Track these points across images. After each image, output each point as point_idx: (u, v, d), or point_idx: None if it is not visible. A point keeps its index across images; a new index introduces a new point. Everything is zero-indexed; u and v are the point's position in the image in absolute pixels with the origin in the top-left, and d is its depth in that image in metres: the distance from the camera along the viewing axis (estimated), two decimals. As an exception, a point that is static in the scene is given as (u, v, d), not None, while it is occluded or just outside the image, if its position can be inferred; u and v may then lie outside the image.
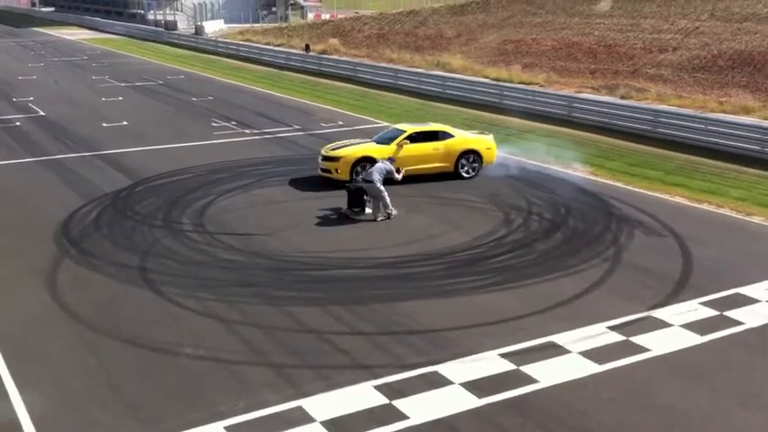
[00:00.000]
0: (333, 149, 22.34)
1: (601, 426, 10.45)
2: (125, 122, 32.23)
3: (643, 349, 12.50)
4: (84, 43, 70.88)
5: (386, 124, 31.60)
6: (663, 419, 10.65)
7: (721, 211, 20.10)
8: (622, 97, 33.94)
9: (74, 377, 11.80)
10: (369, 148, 22.04)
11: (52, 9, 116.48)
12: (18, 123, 32.10)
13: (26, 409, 10.91)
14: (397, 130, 23.19)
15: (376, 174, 19.02)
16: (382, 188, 18.95)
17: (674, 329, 13.22)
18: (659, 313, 13.81)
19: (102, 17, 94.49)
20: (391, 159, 20.00)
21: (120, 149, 26.92)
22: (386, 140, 22.55)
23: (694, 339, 12.87)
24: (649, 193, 21.61)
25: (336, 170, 21.66)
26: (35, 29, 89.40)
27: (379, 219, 18.99)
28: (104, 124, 31.79)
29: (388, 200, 19.05)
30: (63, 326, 13.55)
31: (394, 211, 19.14)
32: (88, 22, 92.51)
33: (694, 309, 13.99)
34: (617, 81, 37.22)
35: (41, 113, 34.46)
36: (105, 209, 20.02)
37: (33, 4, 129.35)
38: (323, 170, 22.24)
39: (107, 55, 60.70)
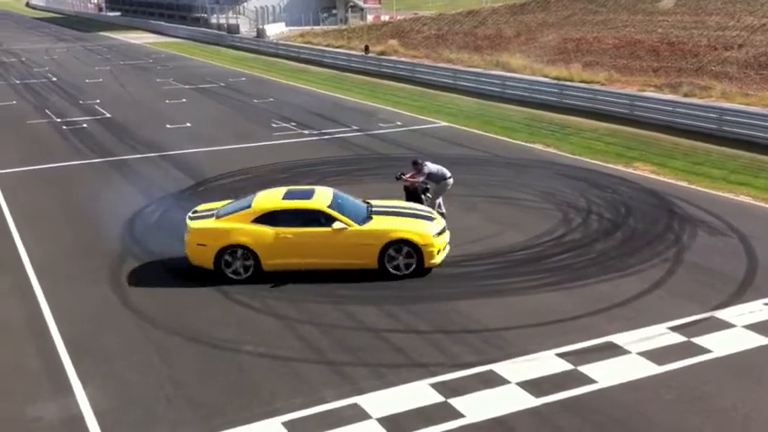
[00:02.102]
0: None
1: (660, 428, 10.30)
2: (188, 124, 32.82)
3: (705, 350, 12.27)
4: (148, 47, 72.28)
5: (445, 124, 31.57)
6: (724, 422, 10.45)
7: (788, 210, 19.60)
8: (686, 95, 33.26)
9: (136, 373, 12.07)
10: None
11: (118, 14, 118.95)
12: (85, 125, 32.92)
13: (89, 404, 11.20)
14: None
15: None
16: None
17: (737, 330, 12.94)
18: (722, 314, 13.53)
19: (166, 21, 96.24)
20: (415, 162, 19.10)
21: (184, 150, 27.42)
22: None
23: (758, 341, 12.58)
24: (714, 192, 21.16)
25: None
26: (102, 33, 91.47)
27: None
28: (168, 126, 32.41)
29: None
30: (126, 323, 13.87)
31: None
32: (153, 26, 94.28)
33: (758, 309, 13.67)
34: (680, 79, 36.50)
35: (107, 115, 35.28)
36: (169, 208, 20.43)
37: (100, 9, 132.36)
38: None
39: (171, 58, 61.79)
